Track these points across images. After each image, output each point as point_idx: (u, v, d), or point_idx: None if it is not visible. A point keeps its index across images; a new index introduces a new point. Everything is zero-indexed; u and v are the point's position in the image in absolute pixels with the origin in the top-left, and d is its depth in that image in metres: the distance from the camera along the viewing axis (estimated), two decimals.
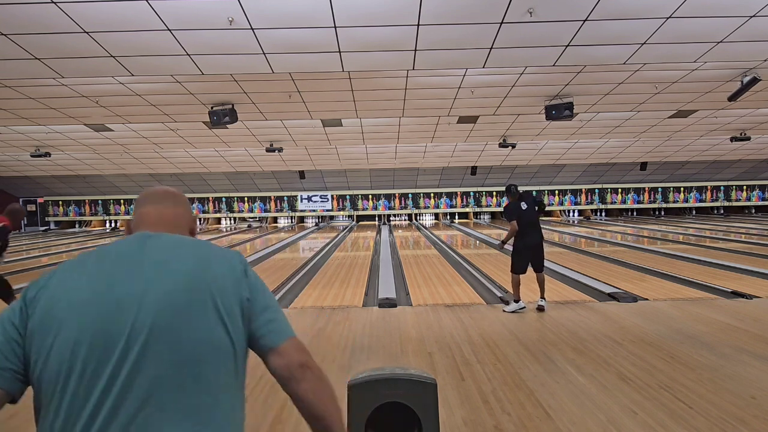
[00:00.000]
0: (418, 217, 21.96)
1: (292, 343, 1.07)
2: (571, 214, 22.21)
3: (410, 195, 21.53)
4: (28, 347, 0.93)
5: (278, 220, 22.18)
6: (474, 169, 18.98)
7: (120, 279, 0.96)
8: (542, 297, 5.44)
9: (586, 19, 5.60)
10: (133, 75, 7.08)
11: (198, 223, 1.32)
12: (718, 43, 6.33)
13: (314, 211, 21.59)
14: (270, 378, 3.64)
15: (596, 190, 21.52)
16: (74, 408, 0.88)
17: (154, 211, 1.16)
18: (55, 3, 4.94)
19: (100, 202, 21.40)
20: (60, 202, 21.40)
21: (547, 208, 21.67)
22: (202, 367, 0.94)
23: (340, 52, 6.35)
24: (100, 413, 0.87)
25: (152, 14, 5.20)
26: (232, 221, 22.19)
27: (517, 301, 5.36)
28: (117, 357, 0.90)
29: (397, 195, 21.53)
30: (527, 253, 5.49)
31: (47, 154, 13.78)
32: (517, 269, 5.45)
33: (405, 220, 22.17)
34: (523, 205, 5.54)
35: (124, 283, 0.96)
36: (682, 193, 21.50)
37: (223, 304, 0.99)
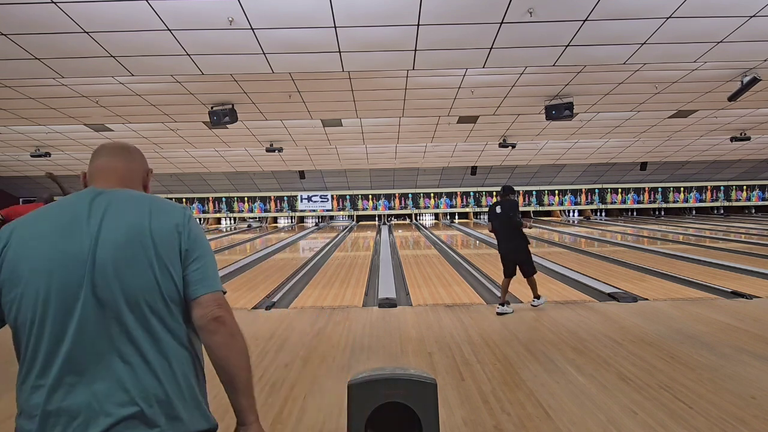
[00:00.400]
0: (418, 217, 21.96)
1: (214, 297, 1.14)
2: (571, 214, 22.20)
3: (410, 195, 21.53)
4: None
5: (278, 220, 22.17)
6: (474, 169, 18.98)
7: (73, 235, 1.08)
8: (535, 297, 5.46)
9: (586, 19, 5.60)
10: (133, 75, 7.08)
11: (150, 178, 1.38)
12: (718, 43, 6.33)
13: (314, 211, 21.59)
14: (270, 378, 3.65)
15: (596, 190, 21.52)
16: (51, 345, 1.03)
17: (107, 164, 1.23)
18: (55, 3, 4.94)
19: None
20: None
21: (548, 208, 21.69)
22: (153, 309, 1.08)
23: (340, 52, 6.35)
24: (75, 348, 1.03)
25: (152, 14, 5.20)
26: (232, 221, 22.18)
27: (501, 304, 5.31)
28: (81, 303, 1.04)
29: (397, 195, 21.52)
30: (504, 258, 5.49)
31: (47, 154, 13.77)
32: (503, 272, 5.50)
33: (405, 220, 22.16)
34: (498, 209, 5.49)
35: (77, 238, 1.07)
36: (682, 193, 21.50)
37: (166, 254, 1.11)
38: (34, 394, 1.03)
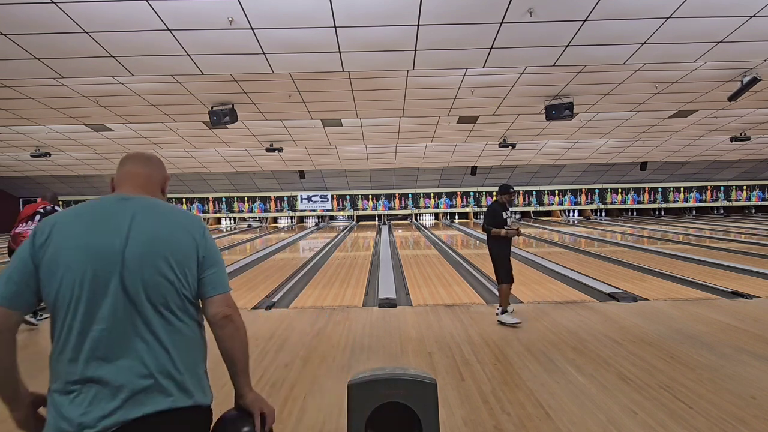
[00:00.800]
0: (418, 217, 21.96)
1: (223, 297, 1.39)
2: (571, 214, 22.20)
3: (410, 195, 21.53)
4: (41, 278, 1.27)
5: (278, 220, 22.16)
6: (474, 169, 18.98)
7: (107, 234, 1.28)
8: (502, 311, 4.94)
9: (586, 19, 5.60)
10: (133, 75, 7.09)
11: (168, 184, 1.61)
12: (718, 43, 6.33)
13: (314, 211, 21.59)
14: (270, 378, 3.65)
15: (596, 190, 21.52)
16: (84, 326, 1.24)
17: (130, 172, 1.46)
18: (55, 3, 4.94)
19: None
20: (60, 202, 21.38)
21: (548, 208, 21.70)
22: (170, 303, 1.30)
23: (340, 52, 6.36)
24: (108, 325, 1.24)
25: (152, 14, 5.20)
26: (232, 221, 22.18)
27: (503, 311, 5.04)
28: (112, 293, 1.25)
29: (397, 195, 21.52)
30: None
31: (47, 154, 13.78)
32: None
33: (405, 220, 22.16)
34: None
35: (109, 237, 1.28)
36: (682, 193, 21.49)
37: (184, 259, 1.34)
38: (69, 365, 1.23)
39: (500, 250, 5.11)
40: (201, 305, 1.40)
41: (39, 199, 5.67)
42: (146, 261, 1.28)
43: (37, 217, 5.29)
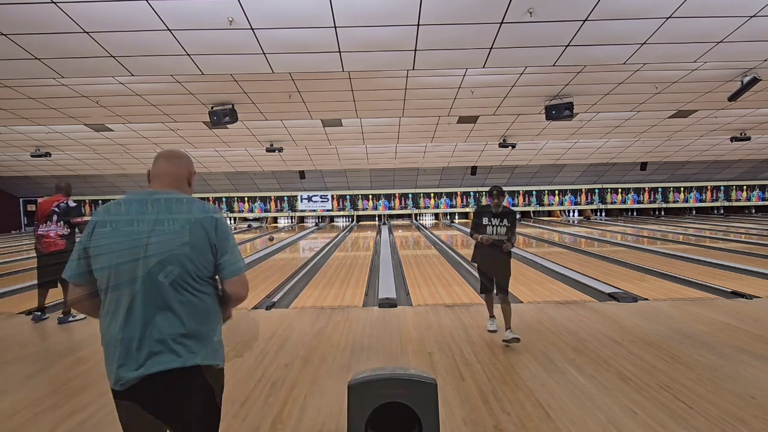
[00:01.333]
0: (418, 217, 21.95)
1: (239, 279, 1.72)
2: (571, 214, 22.20)
3: (410, 195, 21.53)
4: (91, 260, 1.63)
5: (278, 220, 22.16)
6: (474, 169, 18.97)
7: (136, 225, 1.61)
8: (491, 316, 4.75)
9: (586, 19, 5.61)
10: (133, 75, 7.09)
11: (193, 178, 1.86)
12: (718, 43, 6.33)
13: (314, 211, 21.59)
14: (270, 378, 3.64)
15: (596, 190, 21.51)
16: (118, 298, 1.58)
17: (160, 168, 1.77)
18: (55, 3, 4.94)
19: (100, 202, 21.40)
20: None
21: (548, 208, 21.71)
22: (185, 284, 1.61)
23: (340, 52, 6.36)
24: (135, 300, 1.57)
25: (152, 14, 5.20)
26: (233, 221, 22.17)
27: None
28: (139, 273, 1.57)
29: (397, 195, 21.52)
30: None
31: (47, 154, 13.78)
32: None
33: (405, 220, 22.15)
34: None
35: (138, 228, 1.60)
36: (682, 193, 21.49)
37: (199, 247, 1.63)
38: (108, 327, 1.60)
39: (476, 256, 4.62)
40: (220, 282, 1.73)
41: (41, 200, 5.66)
42: (165, 251, 1.58)
43: (54, 216, 5.43)
